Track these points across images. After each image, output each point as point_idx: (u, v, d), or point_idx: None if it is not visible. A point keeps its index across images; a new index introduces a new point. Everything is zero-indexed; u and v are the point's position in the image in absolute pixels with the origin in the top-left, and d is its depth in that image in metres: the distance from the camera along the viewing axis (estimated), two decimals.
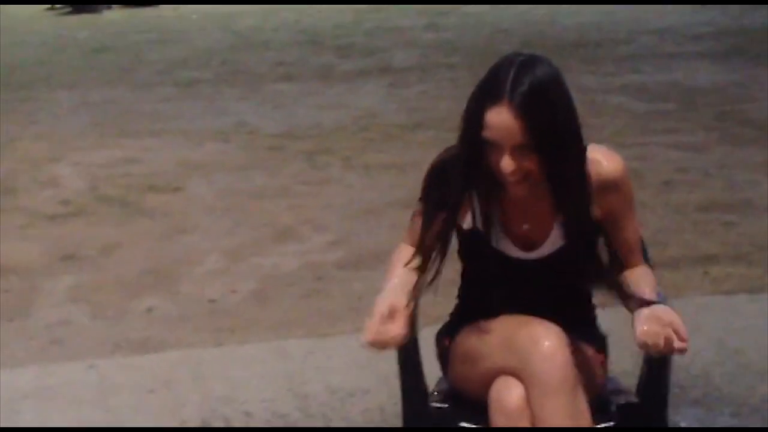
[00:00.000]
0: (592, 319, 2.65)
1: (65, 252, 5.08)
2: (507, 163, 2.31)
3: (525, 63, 2.34)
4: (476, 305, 2.58)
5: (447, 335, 2.61)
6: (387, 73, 9.86)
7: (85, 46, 12.20)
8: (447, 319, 2.69)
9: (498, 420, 2.32)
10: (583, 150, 2.41)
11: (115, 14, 15.65)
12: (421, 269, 2.52)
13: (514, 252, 2.50)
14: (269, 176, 6.29)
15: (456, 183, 2.43)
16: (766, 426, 3.34)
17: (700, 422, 3.36)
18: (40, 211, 5.72)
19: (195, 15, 14.60)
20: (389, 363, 3.63)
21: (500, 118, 2.29)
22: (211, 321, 4.31)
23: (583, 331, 2.53)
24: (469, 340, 2.51)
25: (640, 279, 2.48)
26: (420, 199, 2.55)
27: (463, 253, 2.60)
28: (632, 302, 2.39)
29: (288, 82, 9.57)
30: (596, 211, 2.46)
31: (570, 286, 2.56)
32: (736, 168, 6.26)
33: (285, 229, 5.35)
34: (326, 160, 6.64)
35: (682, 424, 3.33)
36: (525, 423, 2.30)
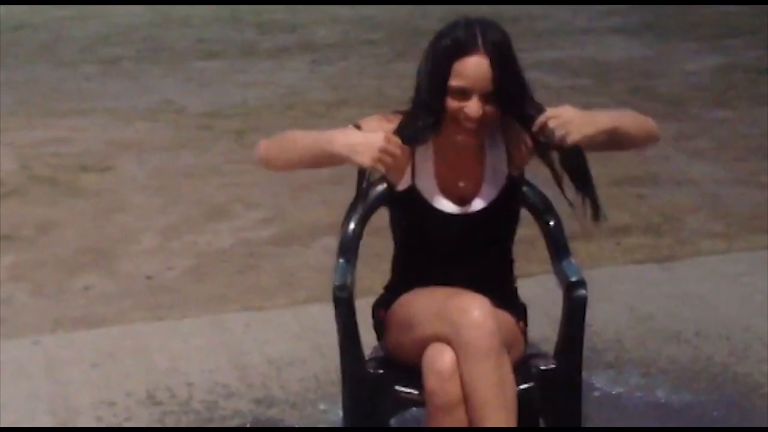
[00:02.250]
0: (513, 290, 2.90)
1: (2, 232, 5.18)
2: (475, 108, 2.59)
3: (486, 21, 2.67)
4: (411, 275, 2.80)
5: (382, 307, 2.83)
6: (309, 50, 9.99)
7: (2, 23, 12.10)
8: (381, 292, 2.90)
9: (431, 381, 2.55)
10: (532, 98, 2.68)
11: None
12: None
13: (450, 208, 2.74)
14: (199, 155, 6.43)
15: (424, 128, 2.65)
16: (672, 384, 3.62)
17: (612, 382, 3.63)
18: None
19: None
20: (324, 334, 3.88)
21: (475, 66, 2.58)
22: (149, 297, 4.47)
23: (506, 302, 2.77)
24: (404, 311, 2.73)
25: None
26: None
27: (398, 216, 2.81)
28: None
29: (211, 59, 9.64)
30: (517, 169, 2.78)
31: (494, 256, 2.81)
32: None
33: (217, 206, 5.51)
34: (254, 138, 6.63)
35: (596, 385, 3.59)
36: (456, 384, 2.53)
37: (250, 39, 10.69)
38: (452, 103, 2.62)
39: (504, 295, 2.80)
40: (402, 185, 2.76)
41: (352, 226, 2.87)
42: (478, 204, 2.75)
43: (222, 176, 6.02)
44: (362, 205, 2.86)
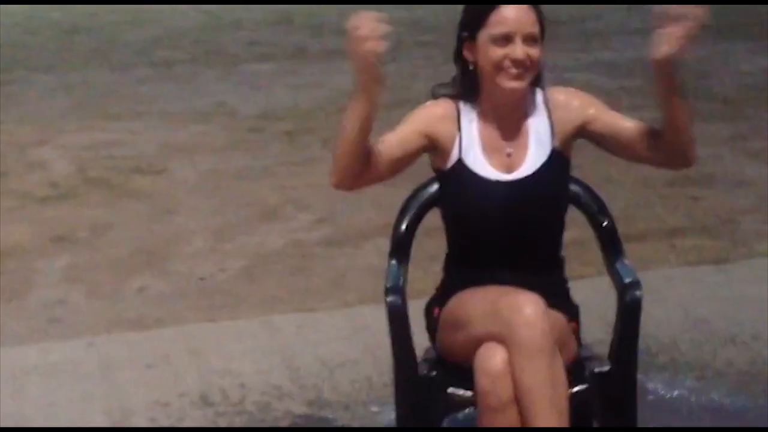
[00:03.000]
0: (566, 290, 2.88)
1: (57, 233, 5.24)
2: (520, 50, 2.67)
3: None
4: (463, 272, 2.79)
5: (435, 306, 2.83)
6: None
7: (58, 27, 12.24)
8: (434, 292, 2.90)
9: (483, 382, 2.54)
10: None
11: None
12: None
13: (496, 175, 2.76)
14: (251, 157, 6.47)
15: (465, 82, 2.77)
16: (728, 387, 3.58)
17: (668, 386, 3.59)
18: (30, 193, 5.86)
19: None
20: (375, 336, 3.88)
21: (515, 10, 2.69)
22: (202, 298, 4.50)
23: (558, 300, 2.76)
24: (456, 310, 2.73)
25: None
26: None
27: (448, 198, 2.83)
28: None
29: (263, 62, 9.70)
30: (563, 141, 2.78)
31: (545, 240, 2.81)
32: (701, 143, 6.28)
33: (269, 208, 5.54)
34: (306, 140, 6.82)
35: (651, 388, 3.56)
36: (508, 384, 2.52)
37: (302, 41, 10.73)
38: (496, 52, 2.68)
39: (556, 293, 2.78)
40: (450, 162, 2.79)
41: (404, 227, 2.87)
42: (524, 170, 2.76)
43: (273, 178, 6.05)
44: (414, 206, 2.87)
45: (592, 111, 2.78)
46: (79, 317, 4.35)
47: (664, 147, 2.71)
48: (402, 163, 2.78)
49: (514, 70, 2.67)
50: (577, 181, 2.89)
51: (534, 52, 2.68)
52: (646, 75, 8.91)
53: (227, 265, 4.82)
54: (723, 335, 3.92)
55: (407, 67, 9.04)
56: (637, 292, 2.74)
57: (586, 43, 9.96)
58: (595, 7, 12.15)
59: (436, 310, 2.83)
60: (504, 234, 2.76)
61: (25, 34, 11.85)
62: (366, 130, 2.70)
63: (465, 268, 2.81)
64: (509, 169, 2.76)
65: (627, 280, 2.77)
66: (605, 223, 2.87)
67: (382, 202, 5.29)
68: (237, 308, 4.38)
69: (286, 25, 11.84)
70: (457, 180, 2.78)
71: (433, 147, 2.79)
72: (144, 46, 10.77)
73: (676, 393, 3.55)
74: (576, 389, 2.63)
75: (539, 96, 2.79)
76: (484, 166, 2.76)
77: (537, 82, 2.78)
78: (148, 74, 9.28)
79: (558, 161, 2.78)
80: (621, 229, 2.96)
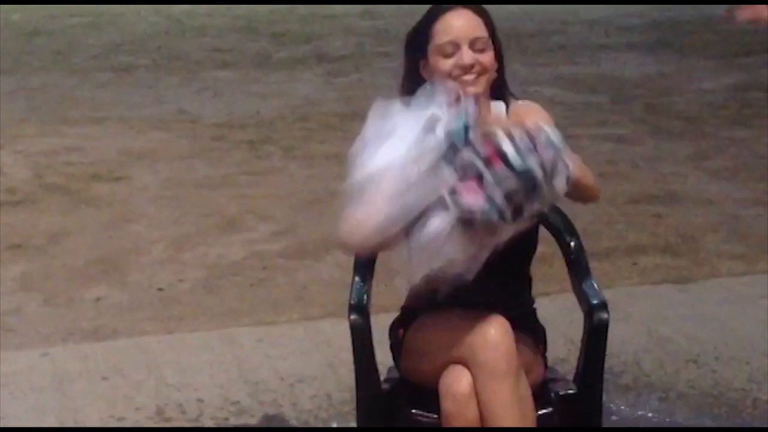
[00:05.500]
0: (532, 312, 2.84)
1: (13, 241, 5.15)
2: (467, 56, 2.60)
3: None
4: (427, 295, 2.74)
5: (401, 326, 2.78)
6: (323, 61, 9.98)
7: (18, 29, 12.11)
8: (399, 311, 2.85)
9: (448, 405, 2.49)
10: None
11: None
12: None
13: None
14: (212, 166, 6.40)
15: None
16: (691, 408, 3.56)
17: (631, 406, 3.57)
18: None
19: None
20: (336, 351, 3.83)
21: (458, 16, 2.64)
22: (160, 309, 4.42)
23: (525, 323, 2.71)
24: (419, 337, 2.67)
25: None
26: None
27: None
28: None
29: (226, 69, 9.64)
30: None
31: (511, 274, 2.73)
32: (664, 160, 6.51)
33: (230, 218, 5.47)
34: (268, 149, 6.76)
35: (614, 408, 3.53)
36: (473, 408, 2.47)
37: (265, 49, 10.68)
38: (446, 63, 2.61)
39: (523, 316, 2.74)
40: None
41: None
42: None
43: (235, 187, 5.98)
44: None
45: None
46: (34, 327, 4.25)
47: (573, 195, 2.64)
48: None
49: (465, 77, 2.60)
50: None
51: (484, 56, 2.62)
52: (609, 90, 8.96)
53: (186, 276, 4.75)
54: (686, 355, 3.91)
55: (369, 78, 9.02)
56: (605, 314, 2.70)
57: (551, 58, 9.99)
58: (560, 21, 12.20)
59: (401, 331, 2.78)
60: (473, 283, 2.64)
61: None
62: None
63: (428, 291, 2.75)
64: None
65: (594, 302, 2.74)
66: (572, 243, 2.83)
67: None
68: (196, 320, 4.31)
69: (249, 33, 11.78)
70: None
71: None
72: (105, 50, 10.67)
73: (639, 413, 3.53)
74: (541, 412, 2.59)
75: (501, 109, 2.72)
76: None
77: (502, 96, 2.72)
78: (108, 79, 9.19)
79: None
80: (584, 246, 2.93)
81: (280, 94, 8.47)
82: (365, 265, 2.82)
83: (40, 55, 10.45)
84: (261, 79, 9.14)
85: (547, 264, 3.97)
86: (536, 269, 2.89)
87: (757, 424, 3.47)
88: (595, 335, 2.71)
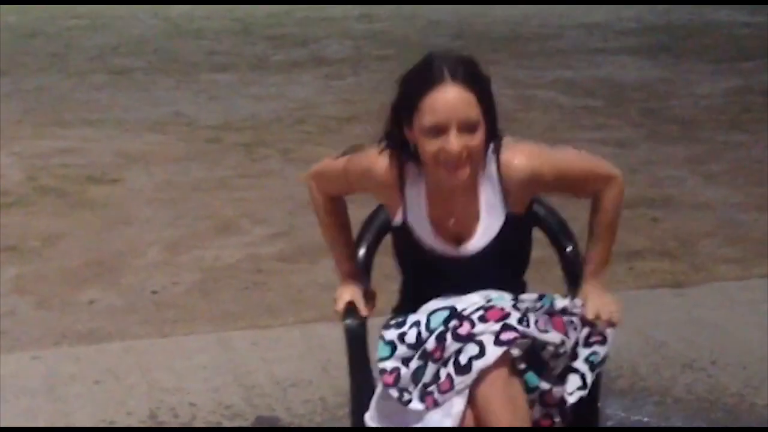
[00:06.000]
0: None
1: (7, 243, 5.12)
2: (454, 142, 2.41)
3: (449, 55, 2.52)
4: (418, 302, 2.72)
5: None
6: (321, 64, 9.96)
7: (14, 31, 12.09)
8: (390, 314, 2.82)
9: None
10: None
11: None
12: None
13: (446, 249, 2.61)
14: (208, 168, 6.37)
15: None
16: (687, 413, 3.54)
17: (627, 411, 3.54)
18: None
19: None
20: (330, 354, 3.81)
21: (447, 97, 2.42)
22: (154, 312, 4.40)
23: None
24: None
25: (596, 239, 2.69)
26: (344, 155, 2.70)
27: (396, 249, 2.72)
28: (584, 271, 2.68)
29: (223, 71, 9.62)
30: (518, 206, 2.59)
31: (503, 281, 2.71)
32: (661, 164, 6.49)
33: (225, 221, 5.45)
34: (264, 152, 6.73)
35: (610, 413, 3.51)
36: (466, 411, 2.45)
37: (262, 52, 10.67)
38: (431, 145, 2.44)
39: None
40: (396, 220, 2.65)
41: (362, 250, 2.80)
42: (475, 244, 2.61)
43: (230, 190, 5.96)
44: (373, 228, 2.80)
45: (546, 177, 2.56)
46: (27, 329, 4.23)
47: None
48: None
49: (451, 165, 2.44)
50: (541, 203, 2.83)
51: (473, 140, 2.43)
52: (607, 94, 8.99)
53: (181, 279, 4.72)
54: (682, 360, 3.89)
55: (366, 81, 9.01)
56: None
57: (549, 61, 9.97)
58: (557, 25, 12.20)
59: None
60: (460, 290, 2.62)
61: None
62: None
63: (419, 298, 2.73)
64: (459, 243, 2.60)
65: None
66: (569, 248, 2.80)
67: None
68: (190, 323, 4.29)
69: (246, 36, 11.77)
70: (405, 240, 2.64)
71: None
72: (101, 52, 10.65)
73: (635, 418, 3.50)
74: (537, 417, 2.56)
75: (491, 162, 2.56)
76: (432, 239, 2.60)
77: (490, 138, 2.53)
78: (104, 81, 9.17)
79: (514, 225, 2.60)
80: (581, 250, 2.90)
81: (278, 97, 8.45)
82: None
83: (36, 57, 10.43)
84: (258, 81, 9.12)
85: (546, 267, 3.93)
86: (535, 273, 2.86)
87: (753, 428, 3.45)
88: None
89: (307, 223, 5.36)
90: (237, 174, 6.26)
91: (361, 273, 2.79)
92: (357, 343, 2.68)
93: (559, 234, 2.81)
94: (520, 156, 2.55)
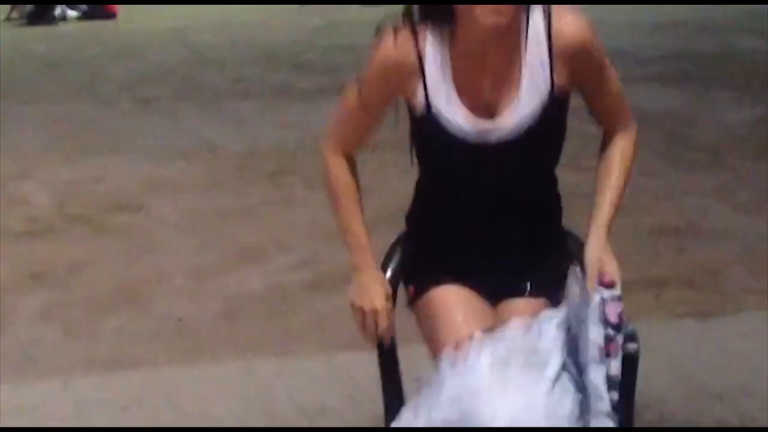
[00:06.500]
0: (559, 236, 2.76)
1: (35, 270, 5.15)
2: None
3: None
4: (436, 224, 2.61)
5: (412, 282, 2.71)
6: None
7: (42, 59, 12.19)
8: (405, 226, 2.78)
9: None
10: None
11: (71, 26, 15.61)
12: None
13: (472, 123, 2.38)
14: (233, 196, 6.39)
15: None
16: None
17: None
18: (8, 228, 5.77)
19: None
20: (356, 382, 3.80)
21: None
22: (179, 340, 4.41)
23: (545, 280, 2.66)
24: (423, 321, 2.64)
25: (606, 178, 2.66)
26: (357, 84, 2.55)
27: (420, 147, 2.54)
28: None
29: (247, 99, 9.65)
30: (563, 79, 2.40)
31: (536, 176, 2.56)
32: (686, 193, 6.46)
33: (250, 249, 5.46)
34: (290, 180, 6.75)
35: None
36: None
37: (286, 80, 10.69)
38: None
39: (550, 280, 2.65)
40: (418, 110, 2.43)
41: (389, 275, 2.81)
42: (511, 119, 2.37)
43: (256, 218, 5.97)
44: (399, 252, 2.80)
45: (592, 59, 2.43)
46: (55, 357, 4.25)
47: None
48: (379, 121, 2.62)
49: (492, 17, 2.22)
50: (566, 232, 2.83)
51: None
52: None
53: (206, 306, 4.74)
54: (711, 391, 3.86)
55: (390, 110, 9.01)
56: (634, 344, 2.66)
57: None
58: None
59: (412, 289, 2.70)
60: (485, 190, 2.46)
61: (9, 66, 11.78)
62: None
63: (437, 226, 2.61)
64: (492, 114, 2.36)
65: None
66: None
67: None
68: (215, 351, 4.30)
69: (270, 63, 11.81)
70: (428, 130, 2.44)
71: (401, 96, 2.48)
72: (127, 81, 10.71)
73: None
74: None
75: (540, 18, 2.33)
76: (458, 113, 2.37)
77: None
78: (130, 109, 9.21)
79: (555, 105, 2.39)
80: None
81: (302, 125, 8.46)
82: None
83: (63, 85, 10.50)
84: (283, 110, 9.15)
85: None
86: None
87: None
88: (626, 367, 2.66)
89: (332, 251, 5.37)
90: (261, 202, 6.28)
91: (374, 261, 2.73)
92: (389, 361, 2.69)
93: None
94: (578, 22, 2.36)
